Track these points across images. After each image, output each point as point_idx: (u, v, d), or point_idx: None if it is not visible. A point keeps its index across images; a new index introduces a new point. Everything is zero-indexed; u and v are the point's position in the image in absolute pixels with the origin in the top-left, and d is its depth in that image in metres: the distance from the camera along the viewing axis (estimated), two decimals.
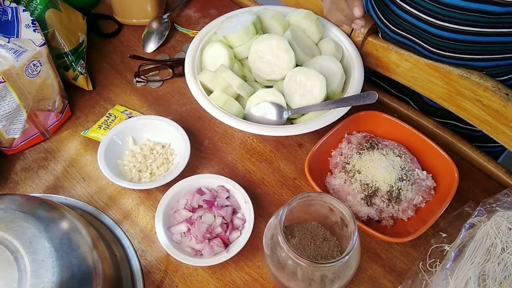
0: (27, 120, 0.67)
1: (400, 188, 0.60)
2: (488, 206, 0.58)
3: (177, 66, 0.80)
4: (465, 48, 0.65)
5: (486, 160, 0.69)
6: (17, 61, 0.61)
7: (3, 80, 0.61)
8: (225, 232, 0.59)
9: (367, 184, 0.61)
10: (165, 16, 0.88)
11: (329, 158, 0.67)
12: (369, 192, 0.60)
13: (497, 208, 0.57)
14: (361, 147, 0.65)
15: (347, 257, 0.45)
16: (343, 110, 0.64)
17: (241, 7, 0.81)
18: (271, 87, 0.70)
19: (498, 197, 0.59)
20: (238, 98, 0.69)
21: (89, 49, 0.82)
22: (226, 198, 0.61)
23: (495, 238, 0.53)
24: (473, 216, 0.57)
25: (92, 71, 0.82)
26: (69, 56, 0.74)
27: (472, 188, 0.67)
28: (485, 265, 0.52)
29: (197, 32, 0.77)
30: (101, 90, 0.79)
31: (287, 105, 0.67)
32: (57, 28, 0.72)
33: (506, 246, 0.52)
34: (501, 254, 0.52)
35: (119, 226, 0.63)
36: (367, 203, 0.60)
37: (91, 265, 0.48)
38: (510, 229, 0.53)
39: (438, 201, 0.61)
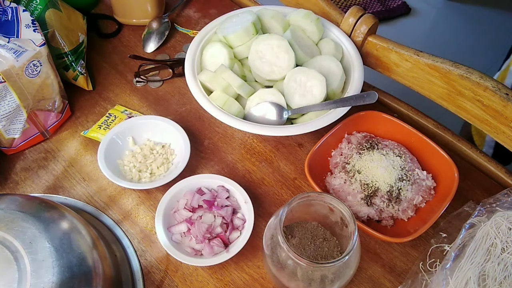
0: (27, 120, 0.67)
1: (400, 188, 0.60)
2: (488, 206, 0.58)
3: (177, 66, 0.80)
4: None
5: (486, 160, 0.69)
6: (17, 61, 0.61)
7: (3, 80, 0.61)
8: (225, 232, 0.59)
9: (367, 184, 0.61)
10: (165, 16, 0.88)
11: (329, 158, 0.67)
12: (369, 192, 0.60)
13: (497, 208, 0.57)
14: (361, 147, 0.65)
15: (347, 257, 0.45)
16: (343, 110, 0.64)
17: (241, 7, 0.81)
18: (271, 87, 0.70)
19: (498, 197, 0.59)
20: (238, 98, 0.69)
21: (89, 49, 0.82)
22: (226, 198, 0.61)
23: (495, 238, 0.53)
24: (473, 216, 0.57)
25: (92, 71, 0.82)
26: (69, 56, 0.74)
27: (472, 188, 0.67)
28: (485, 265, 0.52)
29: (197, 32, 0.78)
30: (101, 90, 0.79)
31: (287, 105, 0.67)
32: (57, 28, 0.72)
33: (506, 246, 0.52)
34: (501, 254, 0.52)
35: (119, 226, 0.63)
36: (367, 203, 0.60)
37: (91, 265, 0.48)
38: (510, 229, 0.53)
39: (438, 201, 0.61)
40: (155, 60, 0.82)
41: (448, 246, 0.57)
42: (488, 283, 0.51)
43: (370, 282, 0.59)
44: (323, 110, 0.64)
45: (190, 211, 0.60)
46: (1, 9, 0.66)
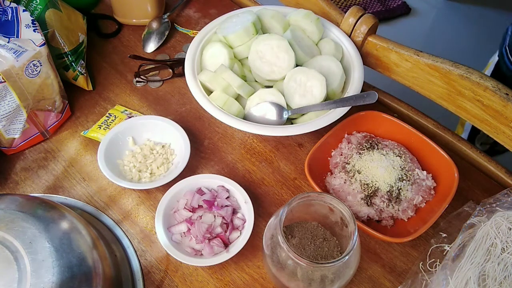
0: (27, 120, 0.67)
1: (400, 188, 0.60)
2: (488, 206, 0.58)
3: (177, 66, 0.80)
4: None
5: (486, 160, 0.69)
6: (17, 61, 0.61)
7: (3, 80, 0.61)
8: (225, 232, 0.59)
9: (367, 184, 0.61)
10: (165, 16, 0.88)
11: (329, 158, 0.67)
12: (369, 192, 0.60)
13: (497, 208, 0.57)
14: (361, 147, 0.65)
15: (347, 257, 0.45)
16: (343, 110, 0.64)
17: (241, 7, 0.81)
18: (271, 87, 0.70)
19: (498, 197, 0.59)
20: (238, 98, 0.69)
21: (89, 49, 0.82)
22: (226, 198, 0.61)
23: (495, 238, 0.53)
24: (473, 216, 0.57)
25: (92, 71, 0.82)
26: (69, 56, 0.74)
27: (472, 188, 0.67)
28: (485, 265, 0.52)
29: (197, 32, 0.78)
30: (101, 90, 0.79)
31: (287, 105, 0.67)
32: (57, 28, 0.72)
33: (506, 246, 0.52)
34: (501, 254, 0.52)
35: (119, 226, 0.63)
36: (367, 203, 0.60)
37: (91, 265, 0.48)
38: (510, 229, 0.53)
39: (438, 201, 0.61)
40: (155, 60, 0.82)
41: (448, 246, 0.57)
42: (488, 283, 0.51)
43: (370, 282, 0.59)
44: (323, 110, 0.64)
45: (190, 211, 0.60)
46: (1, 9, 0.66)
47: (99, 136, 0.70)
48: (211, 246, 0.57)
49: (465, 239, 0.55)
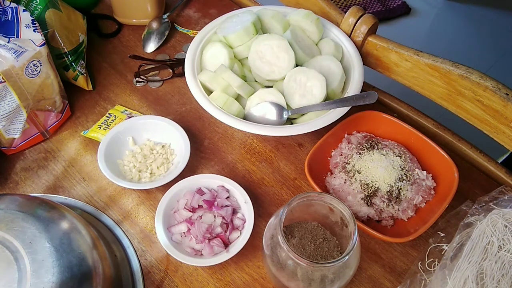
0: (27, 120, 0.67)
1: (400, 188, 0.60)
2: (484, 204, 0.58)
3: (177, 66, 0.80)
4: None
5: (486, 160, 0.69)
6: (17, 61, 0.62)
7: (3, 80, 0.61)
8: (225, 232, 0.59)
9: (367, 184, 0.61)
10: (165, 16, 0.88)
11: (329, 158, 0.67)
12: (369, 192, 0.60)
13: (492, 206, 0.57)
14: (361, 147, 0.65)
15: (347, 257, 0.45)
16: (343, 110, 0.64)
17: (241, 7, 0.81)
18: (271, 87, 0.70)
19: (493, 194, 0.59)
20: (238, 98, 0.69)
21: (89, 49, 0.82)
22: (226, 198, 0.61)
23: (492, 236, 0.53)
24: (469, 215, 0.57)
25: (92, 71, 0.82)
26: (69, 56, 0.74)
27: (472, 188, 0.67)
28: (483, 264, 0.52)
29: (197, 32, 0.78)
30: (101, 90, 0.79)
31: (287, 105, 0.67)
32: (57, 28, 0.73)
33: (503, 244, 0.52)
34: (498, 252, 0.52)
35: (119, 226, 0.63)
36: (367, 203, 0.60)
37: (91, 265, 0.48)
38: (506, 226, 0.53)
39: (438, 201, 0.61)
40: (155, 60, 0.82)
41: (446, 246, 0.57)
42: (486, 281, 0.51)
43: (370, 282, 0.59)
44: (323, 110, 0.64)
45: (190, 211, 0.60)
46: (1, 9, 0.66)
47: (99, 136, 0.70)
48: (211, 246, 0.57)
49: (462, 238, 0.55)
